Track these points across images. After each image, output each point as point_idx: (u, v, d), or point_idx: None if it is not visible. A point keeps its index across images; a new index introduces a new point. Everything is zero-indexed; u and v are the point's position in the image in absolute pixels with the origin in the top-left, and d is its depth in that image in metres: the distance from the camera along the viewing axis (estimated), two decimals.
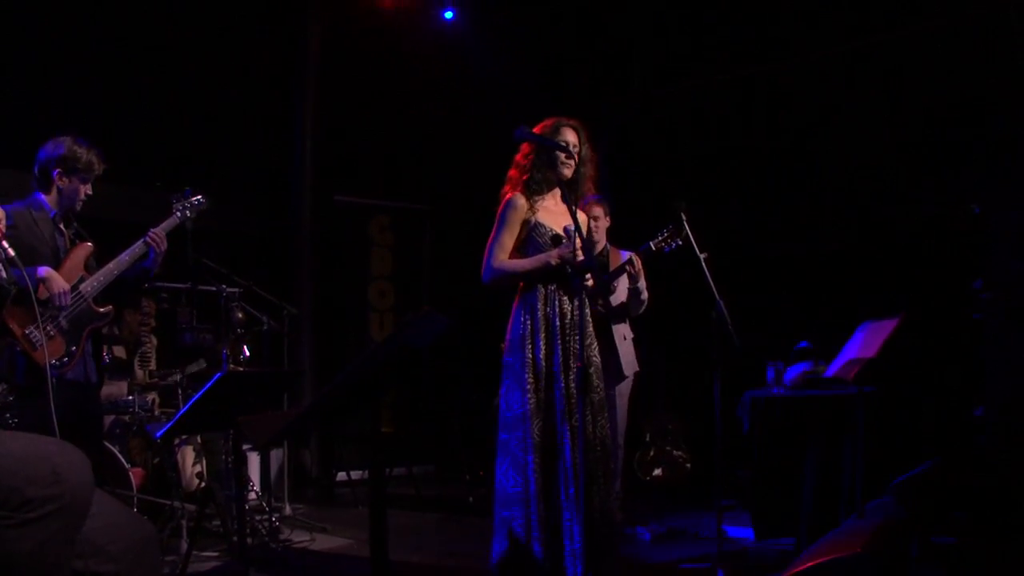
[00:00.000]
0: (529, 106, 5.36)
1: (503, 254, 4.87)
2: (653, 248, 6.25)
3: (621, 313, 6.77)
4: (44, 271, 4.86)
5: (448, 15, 10.62)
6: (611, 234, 6.79)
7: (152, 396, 7.37)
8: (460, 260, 10.62)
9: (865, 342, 5.45)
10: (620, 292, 6.67)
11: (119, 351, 7.46)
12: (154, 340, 7.82)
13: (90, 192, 5.24)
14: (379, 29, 10.31)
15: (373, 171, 10.81)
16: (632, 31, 10.30)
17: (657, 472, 8.74)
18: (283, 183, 10.11)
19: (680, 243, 6.01)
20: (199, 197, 5.69)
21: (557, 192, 5.01)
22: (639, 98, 10.35)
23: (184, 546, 6.15)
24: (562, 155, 4.79)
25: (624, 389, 6.78)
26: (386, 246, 11.12)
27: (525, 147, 5.00)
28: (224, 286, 6.79)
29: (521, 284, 4.93)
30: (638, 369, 6.85)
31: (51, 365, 4.81)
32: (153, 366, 7.69)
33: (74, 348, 5.00)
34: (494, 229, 4.92)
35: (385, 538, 3.26)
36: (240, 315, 7.01)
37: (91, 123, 6.42)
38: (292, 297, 9.03)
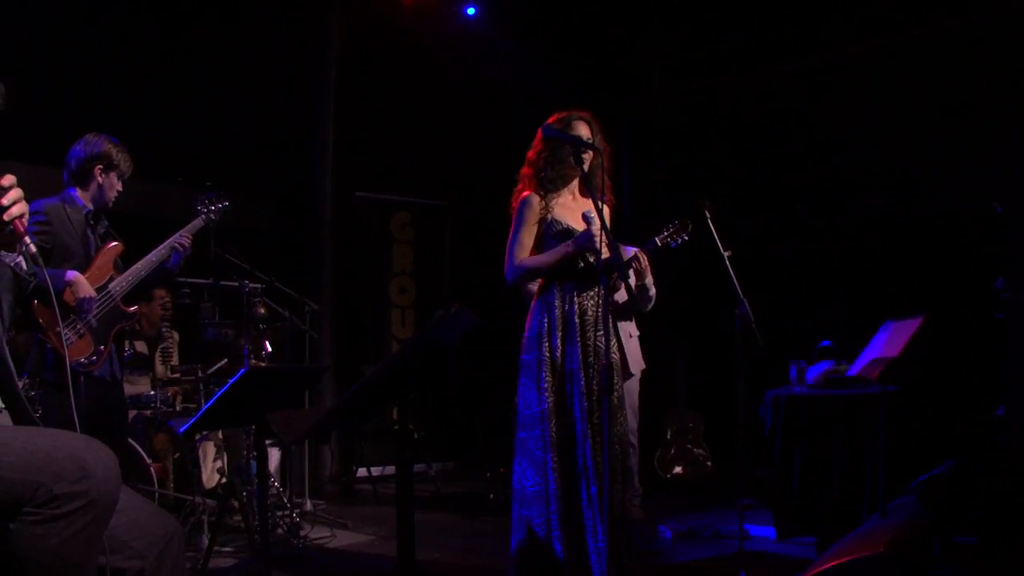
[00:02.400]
0: (549, 102, 5.34)
1: (523, 253, 4.86)
2: (659, 243, 6.17)
3: (625, 311, 6.75)
4: (72, 275, 4.93)
5: (470, 11, 10.63)
6: (625, 231, 6.78)
7: (174, 391, 7.40)
8: (481, 256, 10.68)
9: (888, 341, 5.42)
10: (622, 290, 6.63)
11: (140, 346, 7.49)
12: (175, 335, 7.85)
13: (121, 189, 5.35)
14: (401, 25, 10.31)
15: (394, 167, 10.80)
16: (652, 28, 10.27)
17: (678, 470, 8.73)
18: (305, 179, 10.13)
19: (687, 238, 5.94)
20: (224, 201, 5.80)
21: (575, 187, 5.00)
22: (659, 96, 10.33)
23: (205, 541, 6.17)
24: (581, 150, 4.76)
25: (632, 387, 6.75)
26: (407, 242, 11.13)
27: (536, 143, 4.99)
28: (246, 282, 6.80)
29: (540, 282, 4.92)
30: (644, 367, 6.83)
31: (79, 363, 4.94)
32: (175, 361, 7.73)
33: (102, 347, 5.07)
34: (512, 229, 4.90)
35: (412, 536, 3.26)
36: (262, 311, 7.03)
37: (114, 119, 6.46)
38: (313, 293, 9.04)
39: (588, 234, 4.69)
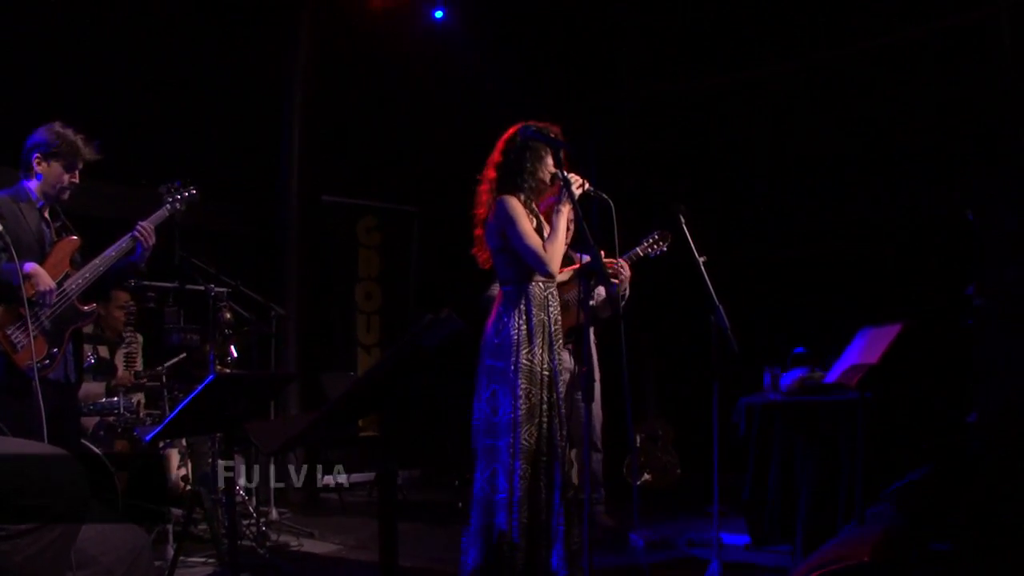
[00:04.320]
0: (519, 106, 5.27)
1: (539, 242, 4.72)
2: (640, 254, 6.17)
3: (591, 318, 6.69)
4: (30, 267, 4.69)
5: (438, 15, 10.54)
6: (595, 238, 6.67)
7: (138, 397, 7.24)
8: (447, 262, 10.60)
9: (866, 348, 5.40)
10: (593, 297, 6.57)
11: (103, 351, 7.32)
12: (139, 338, 7.68)
13: (76, 180, 5.08)
14: (369, 28, 10.21)
15: (361, 171, 10.70)
16: (623, 31, 10.23)
17: (646, 477, 8.67)
18: (270, 182, 9.99)
19: (666, 249, 5.96)
20: (191, 190, 5.56)
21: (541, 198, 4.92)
22: (631, 98, 10.28)
23: (171, 552, 6.03)
24: (563, 153, 4.67)
25: (595, 392, 6.70)
26: (373, 247, 11.02)
27: (506, 148, 4.87)
28: (212, 286, 6.67)
29: (500, 292, 4.82)
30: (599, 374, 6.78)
31: (32, 367, 4.60)
32: (139, 366, 7.56)
33: (56, 350, 4.85)
34: (511, 232, 4.70)
35: (395, 546, 3.17)
36: (228, 315, 6.88)
37: (77, 118, 6.28)
38: (278, 298, 8.91)
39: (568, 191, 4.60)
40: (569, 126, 5.00)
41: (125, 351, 7.47)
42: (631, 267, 6.06)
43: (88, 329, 7.21)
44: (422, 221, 11.24)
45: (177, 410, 4.01)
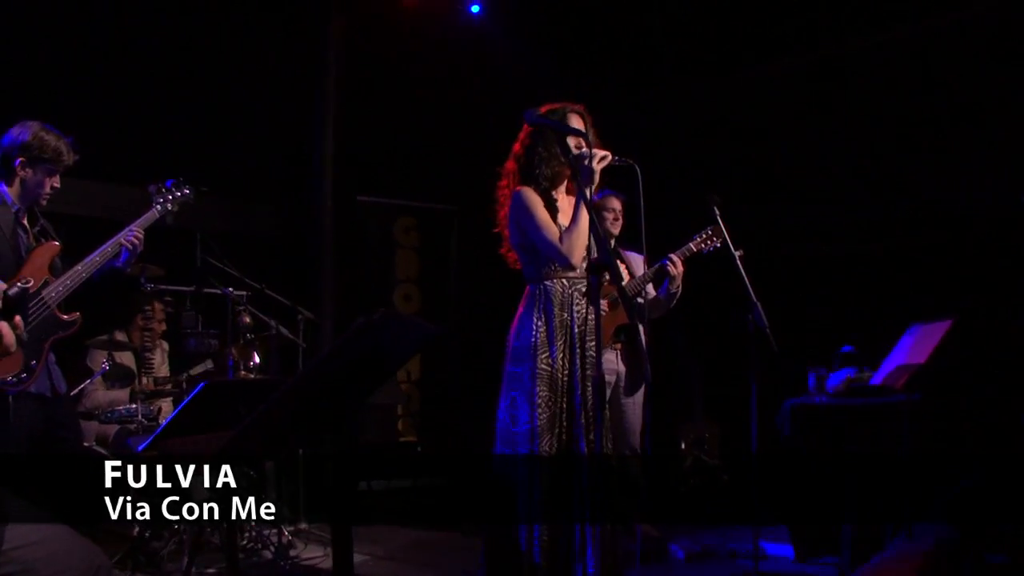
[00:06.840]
0: (559, 100, 5.03)
1: (557, 233, 4.47)
2: (694, 249, 5.94)
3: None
4: None
5: (474, 9, 10.35)
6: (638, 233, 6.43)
7: (159, 404, 7.07)
8: (487, 262, 10.36)
9: (914, 347, 5.13)
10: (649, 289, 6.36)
11: (126, 358, 7.16)
12: (165, 346, 7.52)
13: (57, 185, 4.80)
14: (404, 24, 10.05)
15: (398, 171, 10.52)
16: (664, 23, 9.99)
17: (692, 482, 8.40)
18: (304, 183, 9.84)
19: (719, 245, 5.73)
20: (185, 189, 5.27)
21: (565, 187, 4.67)
22: (672, 92, 10.04)
23: (185, 561, 5.84)
24: (576, 141, 4.40)
25: (639, 396, 6.47)
26: (411, 248, 10.83)
27: (524, 137, 4.69)
28: (231, 289, 6.46)
29: (527, 288, 4.57)
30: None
31: (7, 382, 4.36)
32: (165, 373, 7.38)
33: (34, 363, 4.53)
34: (528, 225, 4.50)
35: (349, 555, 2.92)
36: (247, 320, 6.69)
37: (105, 120, 6.09)
38: (313, 301, 8.74)
39: (588, 169, 4.31)
40: (610, 120, 4.77)
41: (144, 356, 7.31)
42: (684, 264, 5.87)
43: (121, 336, 7.11)
44: (461, 221, 11.02)
45: (168, 420, 3.83)
